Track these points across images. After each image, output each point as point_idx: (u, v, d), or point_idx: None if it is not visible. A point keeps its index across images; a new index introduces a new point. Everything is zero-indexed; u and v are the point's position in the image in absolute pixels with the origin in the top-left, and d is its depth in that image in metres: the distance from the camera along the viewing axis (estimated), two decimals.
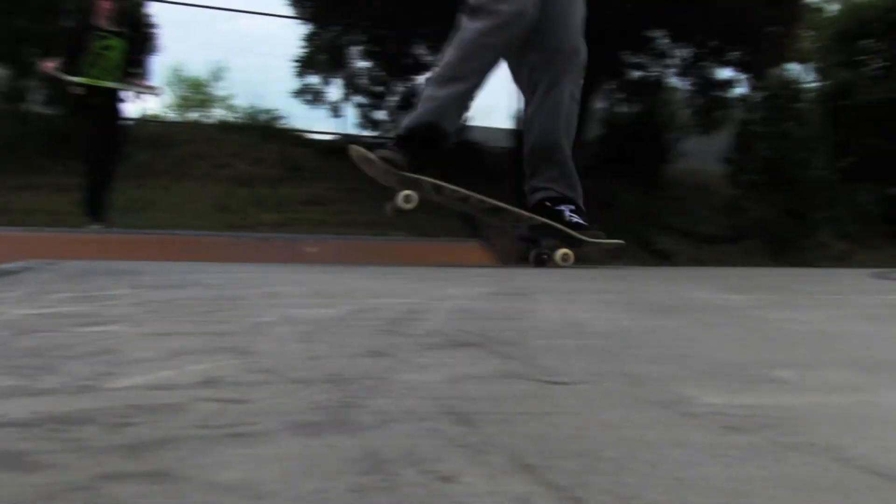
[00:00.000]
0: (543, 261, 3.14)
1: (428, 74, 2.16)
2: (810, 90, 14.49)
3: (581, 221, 3.20)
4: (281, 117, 13.85)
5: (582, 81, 3.07)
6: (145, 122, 12.88)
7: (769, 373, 0.97)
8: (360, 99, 12.71)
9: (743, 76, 12.63)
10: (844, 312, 1.95)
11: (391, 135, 2.11)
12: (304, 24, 12.61)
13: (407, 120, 2.32)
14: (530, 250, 3.14)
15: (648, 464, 0.57)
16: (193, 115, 18.71)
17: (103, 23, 8.07)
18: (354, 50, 12.27)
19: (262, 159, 11.20)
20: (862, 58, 14.80)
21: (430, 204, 10.27)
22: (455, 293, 2.44)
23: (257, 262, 6.56)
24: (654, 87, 13.05)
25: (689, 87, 13.13)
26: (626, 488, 0.51)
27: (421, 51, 12.36)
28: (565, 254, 2.87)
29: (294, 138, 12.82)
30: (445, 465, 0.56)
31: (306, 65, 12.71)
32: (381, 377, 0.92)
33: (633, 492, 0.50)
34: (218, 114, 18.57)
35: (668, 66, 12.86)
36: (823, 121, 13.20)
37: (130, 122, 10.08)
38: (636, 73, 12.89)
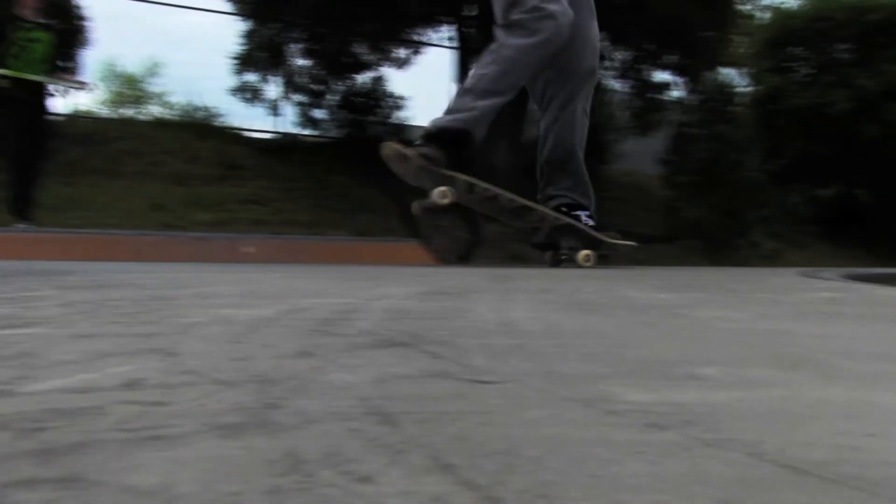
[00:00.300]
0: (561, 261, 3.20)
1: (465, 83, 2.18)
2: (743, 94, 14.84)
3: (595, 226, 3.26)
4: (218, 115, 13.65)
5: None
6: (76, 117, 12.57)
7: (694, 370, 0.98)
8: (299, 97, 12.60)
9: (679, 79, 12.88)
10: (771, 311, 1.99)
11: (421, 134, 2.10)
12: (243, 20, 12.45)
13: (441, 122, 2.33)
14: (544, 253, 3.18)
15: (568, 462, 0.57)
16: (127, 112, 18.29)
17: (28, 14, 7.84)
18: (293, 48, 12.15)
19: (198, 157, 11.02)
20: (791, 64, 15.21)
21: (371, 203, 10.23)
22: (391, 293, 2.43)
23: (193, 262, 6.46)
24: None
25: (626, 90, 13.33)
26: (543, 486, 0.51)
27: (361, 50, 12.31)
28: (587, 254, 2.95)
29: (231, 136, 12.63)
30: (364, 465, 0.56)
31: (244, 62, 12.54)
32: (307, 378, 0.91)
33: (550, 490, 0.50)
34: (152, 110, 18.22)
35: (606, 69, 13.03)
36: (756, 124, 13.52)
37: (59, 118, 9.83)
38: None
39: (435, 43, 13.19)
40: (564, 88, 2.83)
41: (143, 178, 10.28)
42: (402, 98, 12.83)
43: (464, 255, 9.59)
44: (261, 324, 1.48)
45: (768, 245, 12.67)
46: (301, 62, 12.40)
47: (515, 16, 2.36)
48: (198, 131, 12.13)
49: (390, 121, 12.61)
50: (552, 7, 2.36)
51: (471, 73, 2.32)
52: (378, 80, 12.74)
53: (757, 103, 14.59)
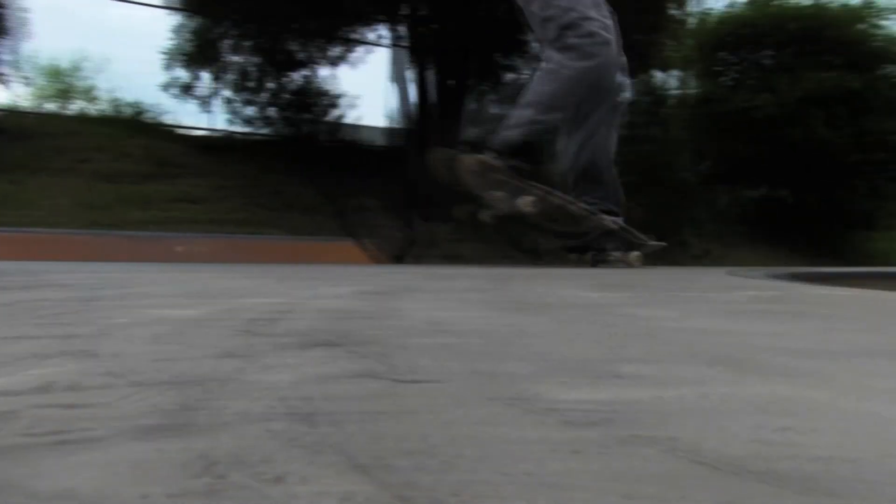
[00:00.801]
0: (602, 261, 3.28)
1: (525, 98, 2.23)
2: (674, 97, 15.13)
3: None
4: (148, 111, 13.33)
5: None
6: None
7: (618, 368, 1.00)
8: (232, 94, 12.40)
9: None
10: (697, 309, 2.03)
11: (494, 147, 2.13)
12: (174, 14, 12.22)
13: (511, 136, 2.39)
14: (584, 254, 3.25)
15: (481, 460, 0.57)
16: (52, 106, 17.71)
17: None
18: (226, 43, 11.96)
19: (127, 154, 10.75)
20: (720, 69, 15.58)
21: (305, 202, 10.11)
22: (322, 292, 2.41)
23: (123, 262, 6.32)
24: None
25: None
26: (453, 485, 0.51)
27: (294, 47, 12.17)
28: (638, 255, 3.05)
29: (163, 133, 12.35)
30: (278, 466, 0.55)
31: (176, 57, 12.31)
32: (228, 379, 0.90)
33: (459, 488, 0.50)
34: (80, 105, 17.67)
35: (539, 70, 13.15)
36: (686, 127, 13.80)
37: None
38: (509, 76, 13.11)
39: (371, 42, 13.15)
40: (601, 107, 2.93)
41: (70, 175, 9.99)
42: (337, 96, 12.74)
43: (399, 255, 9.57)
44: (188, 324, 1.45)
45: (698, 245, 12.93)
46: (235, 58, 12.22)
47: (572, 40, 2.45)
48: (128, 127, 11.84)
49: (326, 119, 12.52)
50: (606, 34, 2.49)
51: (529, 89, 2.40)
52: (313, 78, 12.64)
53: (687, 106, 14.90)
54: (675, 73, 16.40)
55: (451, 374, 0.94)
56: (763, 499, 0.51)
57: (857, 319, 1.86)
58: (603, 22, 2.39)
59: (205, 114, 12.88)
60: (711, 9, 16.10)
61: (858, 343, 1.35)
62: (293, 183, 10.63)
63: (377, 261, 9.05)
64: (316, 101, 12.59)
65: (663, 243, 3.24)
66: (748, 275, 4.34)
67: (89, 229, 8.25)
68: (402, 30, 11.95)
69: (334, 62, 12.84)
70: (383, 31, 12.66)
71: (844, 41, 13.94)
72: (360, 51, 13.09)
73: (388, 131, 13.20)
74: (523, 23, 11.39)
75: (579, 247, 3.09)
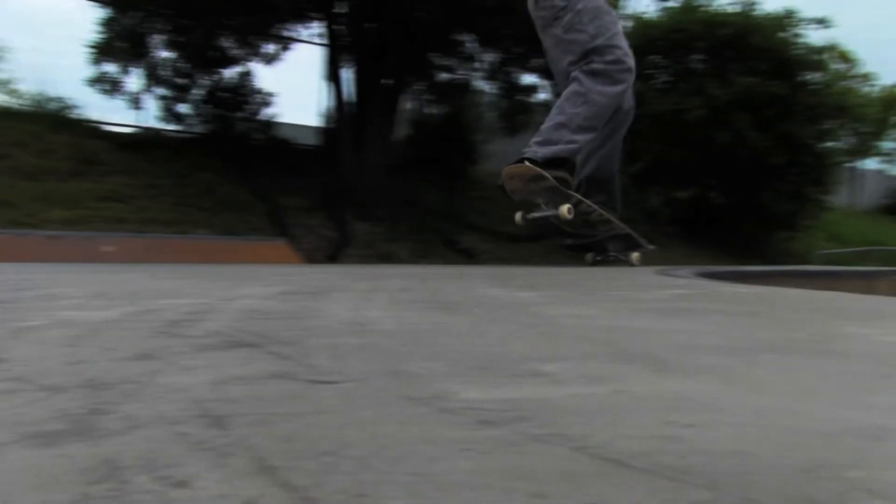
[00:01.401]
0: (603, 260, 3.42)
1: (558, 119, 2.41)
2: None
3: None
4: (73, 106, 12.90)
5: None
6: None
7: (538, 367, 1.00)
8: (162, 90, 12.14)
9: (545, 82, 13.16)
10: (622, 308, 2.06)
11: (539, 159, 2.30)
12: (102, 7, 11.89)
13: (550, 151, 2.53)
14: (586, 254, 3.39)
15: (392, 461, 0.57)
16: None
17: None
18: (157, 39, 11.71)
19: (50, 151, 10.42)
20: (651, 71, 15.87)
21: (237, 201, 9.96)
22: (249, 292, 2.38)
23: (44, 262, 6.14)
24: (462, 89, 13.36)
25: (495, 91, 13.54)
26: (362, 486, 0.51)
27: (228, 44, 11.99)
28: (638, 256, 3.23)
29: (89, 129, 11.97)
30: (183, 469, 0.54)
31: (103, 51, 11.96)
32: (141, 381, 0.88)
33: (368, 489, 0.50)
34: None
35: (475, 70, 13.20)
36: None
37: None
38: (445, 76, 13.14)
39: (305, 39, 13.02)
40: (610, 122, 3.06)
41: None
42: (270, 94, 12.60)
43: (332, 255, 9.51)
44: (104, 326, 1.42)
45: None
46: (165, 54, 11.96)
47: (599, 65, 2.59)
48: (51, 123, 11.45)
49: (259, 117, 12.36)
50: (630, 61, 2.65)
51: (558, 110, 2.56)
52: (246, 76, 12.46)
53: None
54: None
55: (371, 373, 0.94)
56: (668, 494, 0.51)
57: (773, 317, 1.91)
58: (626, 50, 2.59)
59: (133, 110, 12.57)
60: (644, 13, 16.38)
61: (772, 340, 1.38)
62: (225, 182, 10.48)
63: (310, 261, 8.97)
64: (249, 98, 12.42)
65: (654, 246, 3.45)
66: (675, 273, 4.43)
67: (9, 229, 7.99)
68: (338, 28, 11.86)
69: (268, 60, 12.69)
70: (318, 29, 12.56)
71: (769, 48, 14.34)
72: (295, 48, 12.98)
73: (321, 130, 13.10)
74: (458, 22, 11.45)
75: (578, 246, 3.28)
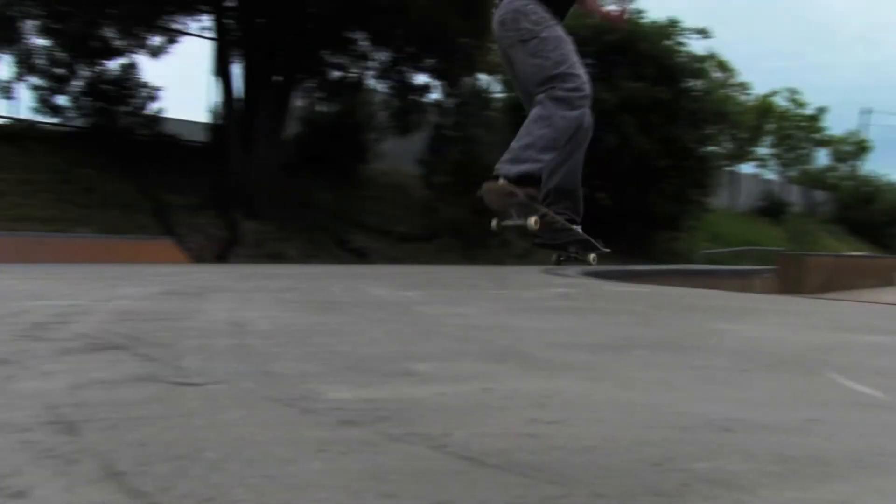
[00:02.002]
0: (565, 260, 3.65)
1: (524, 140, 2.72)
2: (498, 100, 15.54)
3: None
4: None
5: None
6: None
7: (410, 366, 1.01)
8: (37, 80, 11.55)
9: (437, 82, 13.21)
10: (503, 306, 2.10)
11: (511, 178, 2.66)
12: None
13: (520, 169, 2.78)
14: (552, 254, 3.61)
15: (247, 463, 0.56)
16: None
17: None
18: (30, 24, 11.10)
19: None
20: None
21: (121, 198, 9.61)
22: (125, 293, 2.31)
23: None
24: (354, 87, 13.26)
25: (387, 90, 13.50)
26: (212, 489, 0.50)
27: (111, 34, 11.53)
28: (595, 256, 3.45)
29: None
30: (24, 479, 0.52)
31: None
32: None
33: (216, 493, 0.49)
34: None
35: (367, 69, 13.12)
36: (509, 128, 14.20)
37: None
38: (336, 73, 13.01)
39: (193, 32, 12.65)
40: (572, 141, 3.39)
41: None
42: (157, 88, 12.18)
43: (221, 254, 9.29)
44: None
45: (520, 244, 13.31)
46: (40, 42, 11.37)
47: (561, 92, 2.89)
48: None
49: (144, 112, 11.94)
50: (587, 88, 2.94)
51: (525, 131, 2.86)
52: (130, 68, 12.00)
53: (510, 109, 15.35)
54: (501, 76, 16.89)
55: (240, 375, 0.92)
56: (520, 491, 0.52)
57: (649, 315, 1.97)
58: (584, 78, 2.93)
59: (4, 100, 11.88)
60: None
61: (644, 337, 1.43)
62: (108, 178, 10.08)
63: (198, 260, 8.75)
64: (134, 92, 11.99)
65: (608, 249, 3.76)
66: (562, 273, 4.52)
67: None
68: (227, 22, 11.59)
69: (154, 52, 12.28)
70: (207, 22, 12.23)
71: (654, 55, 14.82)
72: (183, 41, 12.61)
73: (210, 127, 12.78)
74: (350, 20, 11.37)
75: (546, 244, 3.62)
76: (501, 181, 3.20)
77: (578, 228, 4.08)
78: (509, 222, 3.68)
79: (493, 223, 3.71)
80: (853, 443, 0.68)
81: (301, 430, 0.66)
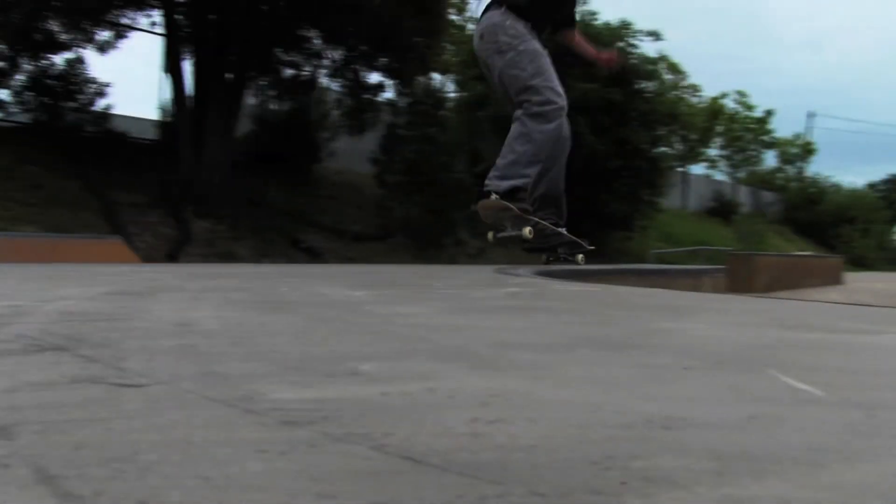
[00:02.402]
0: (554, 260, 3.85)
1: (509, 157, 3.01)
2: (451, 99, 15.57)
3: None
4: None
5: None
6: None
7: (355, 366, 1.00)
8: None
9: (391, 82, 13.20)
10: (454, 306, 2.10)
11: (502, 192, 2.92)
12: None
13: (510, 184, 3.04)
14: (542, 255, 3.81)
15: (184, 465, 0.55)
16: None
17: None
18: None
19: None
20: None
21: (68, 196, 9.41)
22: (70, 293, 2.27)
23: None
24: (308, 86, 13.19)
25: (340, 89, 13.44)
26: (147, 492, 0.49)
27: (56, 27, 11.27)
28: (583, 257, 3.66)
29: None
30: None
31: None
32: None
33: (151, 495, 0.49)
34: None
35: (321, 67, 13.06)
36: (462, 128, 14.24)
37: None
38: (289, 71, 12.93)
39: (143, 28, 12.46)
40: (553, 151, 3.61)
41: None
42: (105, 84, 11.97)
43: (171, 253, 9.17)
44: None
45: (474, 244, 13.36)
46: None
47: (537, 108, 3.16)
48: None
49: (92, 108, 11.72)
50: (562, 101, 3.19)
51: (509, 148, 3.17)
52: (77, 63, 11.77)
53: (463, 109, 15.41)
54: (454, 76, 16.91)
55: (183, 376, 0.91)
56: (459, 490, 0.53)
57: (597, 314, 1.99)
58: (558, 90, 3.18)
59: None
60: None
61: (591, 336, 1.44)
62: (55, 176, 9.87)
63: (148, 259, 8.62)
64: (81, 87, 11.76)
65: (593, 247, 3.99)
66: (514, 272, 4.55)
67: None
68: (178, 17, 11.43)
69: (102, 47, 12.05)
70: (158, 18, 12.04)
71: None
72: (133, 37, 12.40)
73: (160, 124, 12.60)
74: (303, 17, 11.29)
75: (535, 248, 3.88)
76: (493, 197, 3.47)
77: (563, 230, 4.39)
78: (504, 234, 3.97)
79: (489, 236, 4.04)
80: (790, 439, 0.69)
81: (241, 431, 0.66)
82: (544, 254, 4.66)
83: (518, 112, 3.85)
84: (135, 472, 0.53)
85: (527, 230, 3.87)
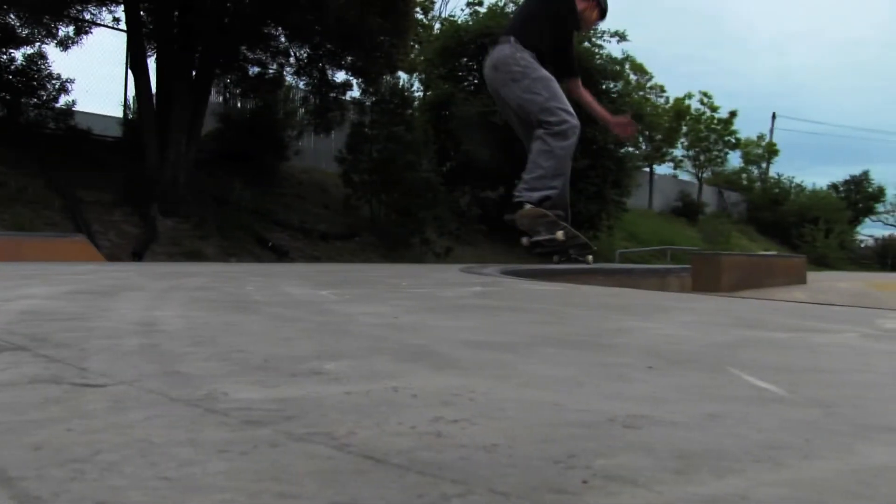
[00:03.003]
0: (565, 260, 4.03)
1: (536, 172, 3.29)
2: (417, 98, 15.57)
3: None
4: None
5: None
6: None
7: (319, 365, 1.00)
8: None
9: (357, 80, 13.15)
10: (419, 305, 2.10)
11: (534, 202, 3.28)
12: None
13: (539, 195, 3.29)
14: (552, 256, 4.01)
15: (145, 465, 0.55)
16: None
17: None
18: None
19: None
20: (462, 73, 16.27)
21: (31, 194, 9.27)
22: (32, 292, 2.23)
23: None
24: (274, 84, 13.11)
25: (305, 87, 13.38)
26: (107, 492, 0.49)
27: (12, 20, 11.09)
28: (591, 256, 3.91)
29: None
30: None
31: None
32: None
33: (113, 495, 0.49)
34: None
35: (286, 65, 12.99)
36: (428, 127, 14.24)
37: None
38: (255, 69, 12.84)
39: (106, 24, 12.31)
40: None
41: None
42: (68, 81, 11.80)
43: (136, 252, 9.07)
44: None
45: (441, 242, 13.38)
46: None
47: (556, 128, 3.38)
48: None
49: (55, 105, 11.56)
50: (574, 120, 3.42)
51: (534, 164, 3.47)
52: (38, 59, 11.60)
53: (429, 108, 15.42)
54: (420, 75, 16.91)
55: (145, 375, 0.91)
56: (420, 489, 0.53)
57: (562, 313, 2.00)
58: (570, 110, 3.43)
59: None
60: (454, 16, 16.73)
61: (555, 335, 1.45)
62: (16, 174, 9.72)
63: (112, 258, 8.52)
64: (43, 83, 11.58)
65: (595, 247, 4.25)
66: (480, 271, 4.56)
67: None
68: (142, 14, 11.30)
69: (64, 43, 11.88)
70: (121, 14, 11.89)
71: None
72: (96, 33, 12.24)
73: (124, 121, 12.45)
74: (268, 15, 11.21)
75: (547, 251, 4.13)
76: (528, 207, 3.81)
77: (580, 234, 4.64)
78: (538, 238, 4.25)
79: (524, 240, 4.31)
80: (751, 437, 0.70)
81: (203, 431, 0.66)
82: (556, 255, 4.88)
83: (539, 131, 4.05)
84: (95, 473, 0.53)
85: (559, 233, 4.10)
